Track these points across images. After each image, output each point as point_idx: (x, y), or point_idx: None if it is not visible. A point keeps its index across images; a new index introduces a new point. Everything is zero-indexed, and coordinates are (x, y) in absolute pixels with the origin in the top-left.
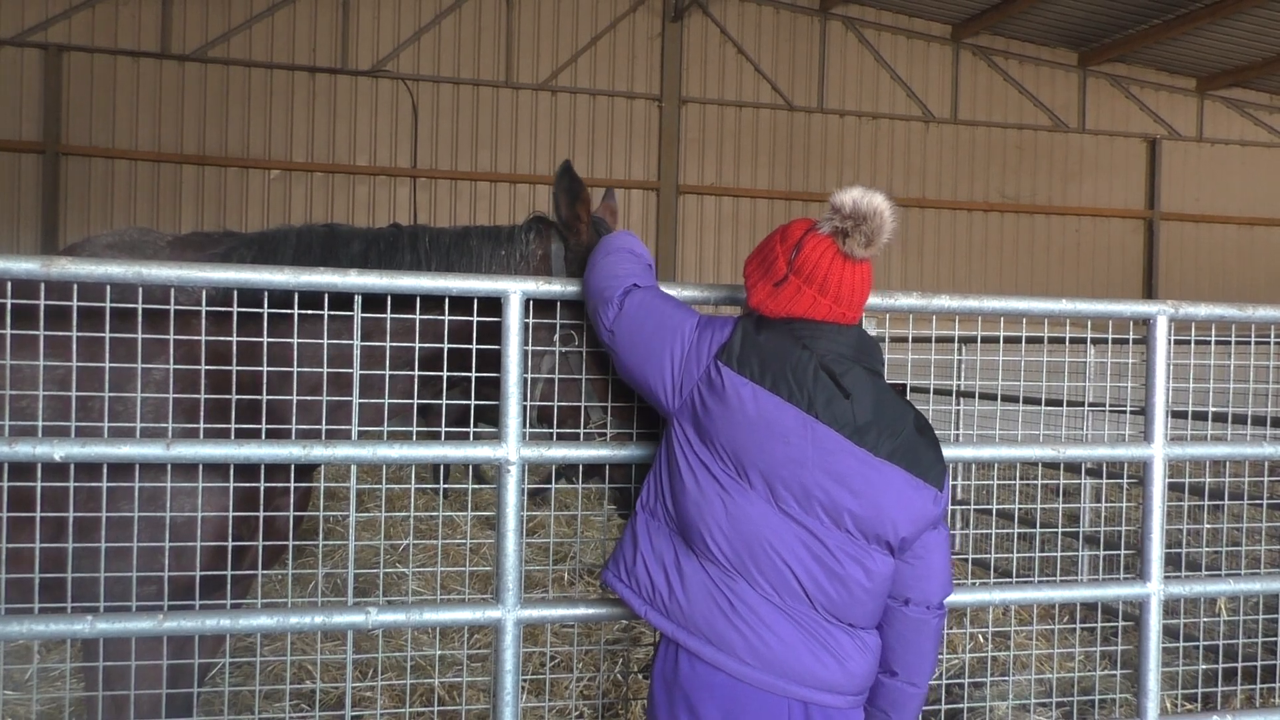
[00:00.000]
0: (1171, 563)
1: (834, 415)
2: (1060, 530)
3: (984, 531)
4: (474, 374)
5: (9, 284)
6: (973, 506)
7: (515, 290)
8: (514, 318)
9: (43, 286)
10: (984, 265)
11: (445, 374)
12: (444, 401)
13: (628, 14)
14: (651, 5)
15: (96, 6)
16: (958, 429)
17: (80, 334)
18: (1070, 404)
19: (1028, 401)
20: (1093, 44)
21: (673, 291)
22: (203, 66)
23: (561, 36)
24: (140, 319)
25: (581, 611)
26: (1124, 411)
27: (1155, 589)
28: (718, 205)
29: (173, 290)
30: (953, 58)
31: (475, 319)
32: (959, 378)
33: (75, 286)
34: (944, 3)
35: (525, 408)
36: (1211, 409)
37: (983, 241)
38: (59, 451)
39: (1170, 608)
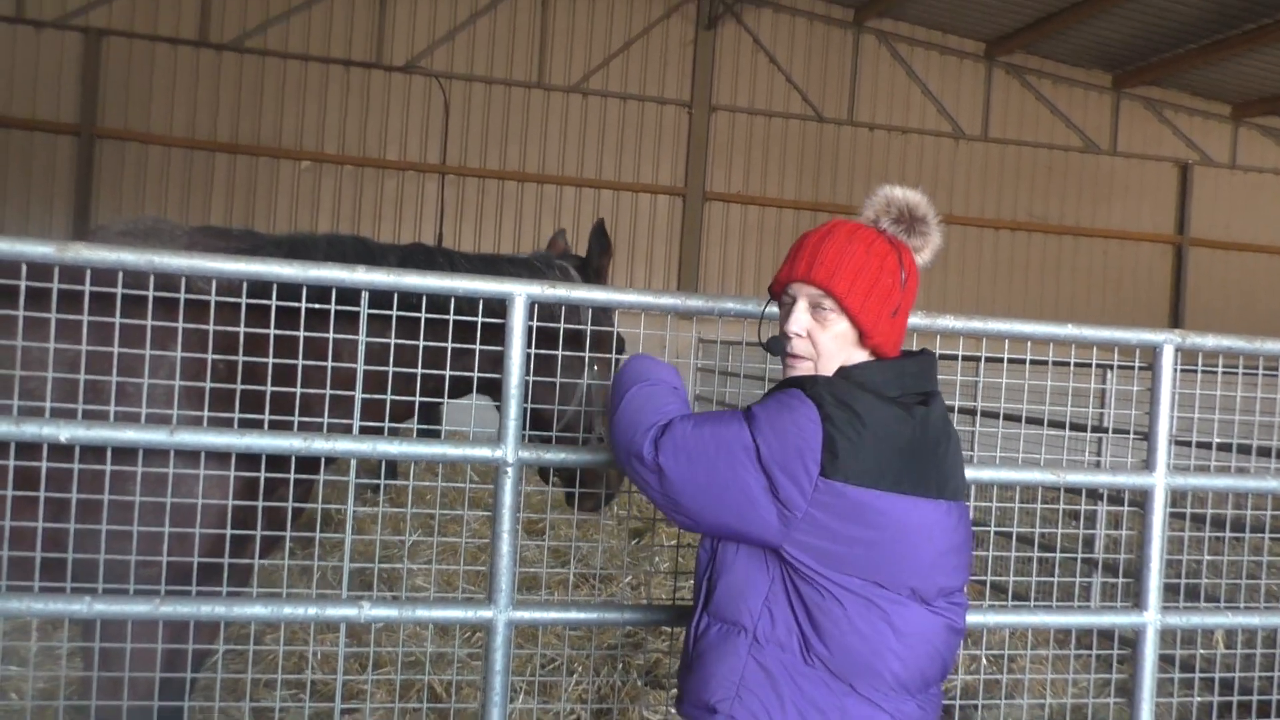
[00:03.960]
0: (1177, 592)
1: (955, 486)
2: (1059, 554)
3: (982, 554)
4: (475, 374)
5: (24, 266)
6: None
7: (520, 293)
8: (518, 320)
9: (56, 270)
10: (1009, 284)
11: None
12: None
13: (661, 20)
14: (685, 12)
15: None
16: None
17: (92, 318)
18: (1074, 427)
19: (1032, 423)
20: (1127, 66)
21: (713, 303)
22: (240, 56)
23: (594, 39)
24: (151, 306)
25: (574, 615)
26: (1128, 434)
27: (1152, 618)
28: (744, 213)
29: (183, 279)
30: (985, 75)
31: (479, 319)
32: (960, 398)
33: (89, 272)
34: (978, 20)
35: (526, 409)
36: (1216, 440)
37: (1009, 260)
38: (64, 433)
39: (1174, 638)
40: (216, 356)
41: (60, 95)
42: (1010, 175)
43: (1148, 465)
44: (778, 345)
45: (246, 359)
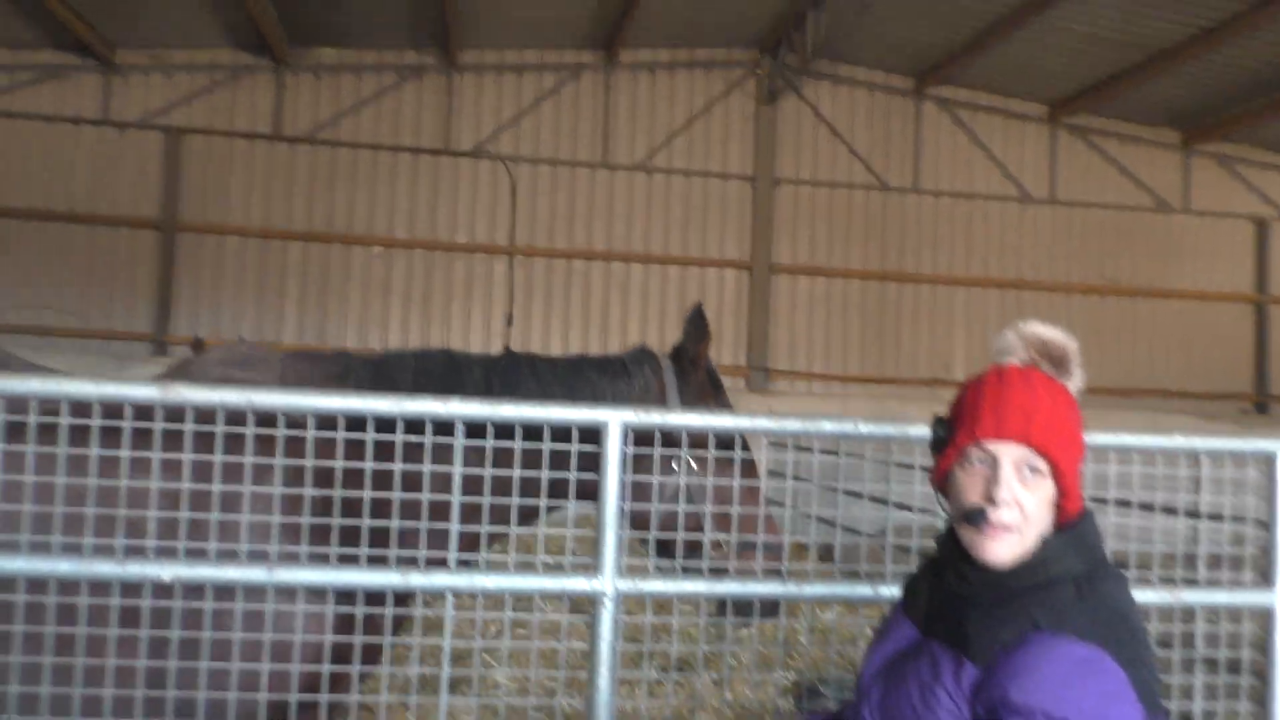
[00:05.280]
0: None
1: None
2: (1175, 676)
3: None
4: (572, 500)
5: (129, 408)
6: None
7: (615, 420)
8: (613, 447)
9: (159, 411)
10: (1085, 349)
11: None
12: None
13: (722, 96)
14: (745, 88)
15: (215, 91)
16: None
17: (194, 456)
18: (1189, 514)
19: (1120, 505)
20: (1197, 123)
21: (809, 424)
22: (313, 148)
23: (657, 118)
24: (250, 441)
25: None
26: (1221, 520)
27: None
28: (811, 285)
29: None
30: (1049, 137)
31: (574, 447)
32: None
33: (189, 410)
34: (1040, 83)
35: (622, 538)
36: None
37: (1083, 325)
38: (167, 573)
39: None
40: (315, 492)
41: (143, 191)
42: (1080, 238)
43: (1267, 580)
44: (979, 516)
45: (344, 494)
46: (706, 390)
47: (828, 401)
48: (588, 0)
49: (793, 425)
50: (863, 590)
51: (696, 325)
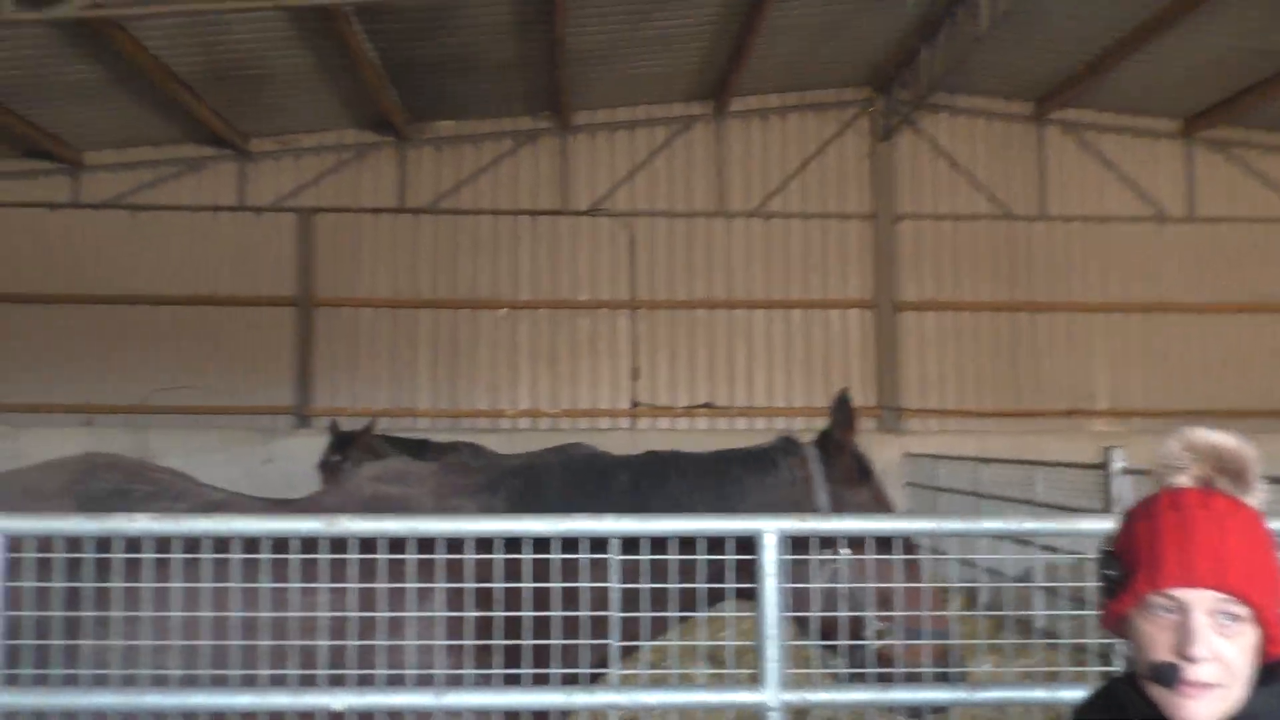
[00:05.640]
0: None
1: None
2: None
3: None
4: (735, 615)
5: (299, 541)
6: None
7: (771, 530)
8: (770, 559)
9: (326, 543)
10: (1237, 373)
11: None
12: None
13: (836, 137)
14: (859, 127)
15: (342, 171)
16: None
17: (360, 585)
18: None
19: None
20: None
21: (970, 524)
22: (435, 217)
23: (771, 163)
24: (414, 567)
25: None
26: None
27: None
28: (938, 320)
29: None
30: (1184, 153)
31: (730, 558)
32: None
33: (355, 541)
34: (1170, 98)
35: (785, 647)
36: None
37: (1235, 347)
38: (338, 701)
39: None
40: (476, 614)
41: (279, 271)
42: (1224, 255)
43: None
44: (1171, 675)
45: (505, 614)
46: (853, 476)
47: (964, 439)
48: (696, 52)
49: (953, 525)
50: (1038, 694)
51: (841, 411)
